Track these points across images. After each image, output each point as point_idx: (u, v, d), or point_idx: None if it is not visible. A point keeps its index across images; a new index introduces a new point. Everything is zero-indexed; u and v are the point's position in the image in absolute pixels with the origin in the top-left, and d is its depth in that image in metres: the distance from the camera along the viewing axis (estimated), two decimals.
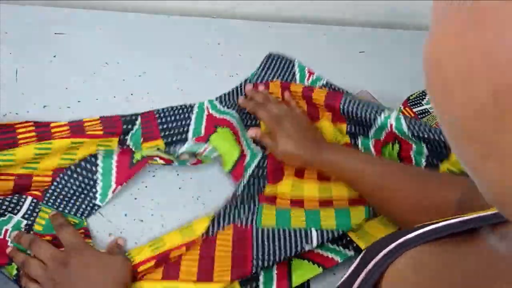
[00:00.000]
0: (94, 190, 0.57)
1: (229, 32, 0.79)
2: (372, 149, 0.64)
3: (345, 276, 0.33)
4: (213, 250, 0.53)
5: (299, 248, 0.53)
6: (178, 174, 0.62)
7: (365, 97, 0.68)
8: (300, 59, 0.73)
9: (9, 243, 0.52)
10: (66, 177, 0.57)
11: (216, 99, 0.68)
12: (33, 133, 0.58)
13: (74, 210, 0.56)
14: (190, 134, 0.64)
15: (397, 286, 0.28)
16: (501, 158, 0.16)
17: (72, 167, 0.57)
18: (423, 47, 0.19)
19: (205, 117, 0.66)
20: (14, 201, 0.54)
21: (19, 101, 0.63)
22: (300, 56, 0.71)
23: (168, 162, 0.60)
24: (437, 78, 0.17)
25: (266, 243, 0.53)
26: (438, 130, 0.56)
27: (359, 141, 0.65)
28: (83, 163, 0.58)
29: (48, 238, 0.53)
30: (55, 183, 0.56)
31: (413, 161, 0.60)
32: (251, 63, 0.72)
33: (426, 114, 0.67)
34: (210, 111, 0.67)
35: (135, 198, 0.59)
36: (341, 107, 0.63)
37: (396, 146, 0.62)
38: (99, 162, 0.58)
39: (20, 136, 0.58)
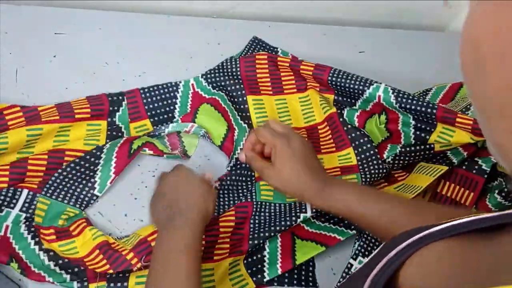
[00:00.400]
0: (93, 180, 0.58)
1: (229, 32, 0.79)
2: (356, 122, 0.64)
3: (365, 262, 0.34)
4: (217, 233, 0.55)
5: (294, 218, 0.54)
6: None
7: None
8: (300, 58, 0.73)
9: (11, 239, 0.52)
10: (68, 169, 0.57)
11: (202, 76, 0.69)
12: (22, 118, 0.59)
13: (73, 200, 0.57)
14: (176, 113, 0.65)
15: (419, 274, 0.29)
16: None
17: (77, 159, 0.58)
18: (462, 27, 0.20)
19: (190, 94, 0.67)
20: (10, 194, 0.54)
21: (19, 101, 0.63)
22: (300, 56, 0.71)
23: (158, 153, 0.61)
24: (473, 54, 0.18)
25: (263, 217, 0.55)
26: (426, 102, 0.56)
27: (345, 113, 0.65)
28: (88, 156, 0.59)
29: (51, 230, 0.53)
30: (56, 174, 0.57)
31: (402, 135, 0.60)
32: None
33: None
34: (196, 88, 0.68)
35: (135, 198, 0.59)
36: (329, 79, 0.62)
37: (383, 117, 0.62)
38: (103, 155, 0.59)
39: (9, 120, 0.58)
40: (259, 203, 0.57)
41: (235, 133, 0.63)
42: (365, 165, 0.60)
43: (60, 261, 0.52)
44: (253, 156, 0.55)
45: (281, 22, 0.83)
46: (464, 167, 0.58)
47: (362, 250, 0.57)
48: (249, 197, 0.58)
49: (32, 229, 0.54)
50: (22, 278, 0.52)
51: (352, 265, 0.56)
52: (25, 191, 0.55)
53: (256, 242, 0.53)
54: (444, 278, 0.27)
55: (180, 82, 0.68)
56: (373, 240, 0.58)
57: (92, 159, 0.59)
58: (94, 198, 0.57)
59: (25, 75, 0.67)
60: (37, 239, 0.53)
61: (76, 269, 0.52)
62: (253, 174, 0.61)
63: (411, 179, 0.60)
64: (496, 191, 0.56)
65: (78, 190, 0.57)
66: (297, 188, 0.51)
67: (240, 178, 0.61)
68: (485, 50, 0.18)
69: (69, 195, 0.57)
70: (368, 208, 0.49)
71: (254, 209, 0.57)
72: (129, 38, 0.75)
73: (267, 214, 0.56)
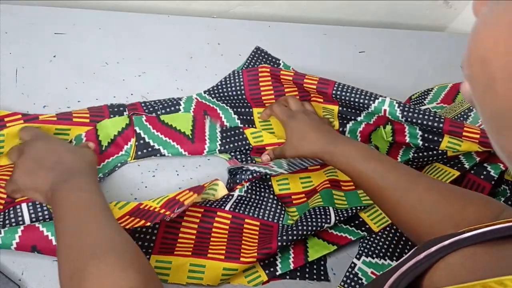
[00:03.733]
0: None
1: (229, 32, 0.79)
2: (358, 136, 0.64)
3: (396, 263, 0.34)
4: (241, 234, 0.56)
5: (319, 227, 0.55)
6: (178, 174, 0.62)
7: None
8: (300, 59, 0.73)
9: (37, 225, 0.51)
10: None
11: (205, 92, 0.69)
12: (22, 124, 0.58)
13: None
14: None
15: (443, 279, 0.29)
16: None
17: None
18: (467, 41, 0.20)
19: (193, 108, 0.67)
20: (12, 215, 0.52)
21: (19, 101, 0.63)
22: (300, 56, 0.71)
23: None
24: (482, 73, 0.19)
25: (289, 230, 0.55)
26: (432, 115, 0.56)
27: (347, 128, 0.65)
28: None
29: None
30: None
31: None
32: None
33: None
34: (200, 100, 0.68)
35: (135, 198, 0.59)
36: (333, 92, 0.62)
37: (388, 128, 0.62)
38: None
39: (9, 127, 0.57)
40: (285, 226, 0.58)
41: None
42: None
43: None
44: (272, 149, 0.62)
45: (281, 22, 0.83)
46: (472, 172, 0.59)
47: (366, 250, 0.58)
48: (275, 220, 0.59)
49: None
50: (22, 278, 0.52)
51: (355, 264, 0.57)
52: (24, 205, 0.53)
53: (284, 243, 0.54)
54: (467, 282, 0.27)
55: (183, 97, 0.67)
56: (375, 241, 0.58)
57: None
58: None
59: (25, 75, 0.67)
60: None
61: None
62: (271, 193, 0.61)
63: None
64: (502, 199, 0.57)
65: None
66: (307, 152, 0.57)
67: (259, 193, 0.61)
68: (494, 70, 0.18)
69: None
70: (366, 164, 0.52)
71: (280, 228, 0.57)
72: (129, 38, 0.75)
73: (293, 226, 0.56)
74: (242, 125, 0.66)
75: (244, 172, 0.58)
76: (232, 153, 0.64)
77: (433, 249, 0.32)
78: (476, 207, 0.45)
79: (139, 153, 0.61)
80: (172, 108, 0.65)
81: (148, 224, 0.51)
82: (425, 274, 0.31)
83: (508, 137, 0.19)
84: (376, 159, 0.52)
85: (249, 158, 0.64)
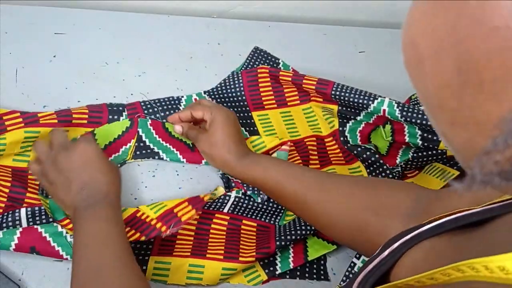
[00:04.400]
0: None
1: (229, 32, 0.79)
2: (358, 137, 0.64)
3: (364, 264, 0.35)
4: (239, 234, 0.56)
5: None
6: (178, 174, 0.62)
7: None
8: (300, 59, 0.73)
9: (35, 226, 0.51)
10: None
11: (205, 92, 0.68)
12: (22, 124, 0.58)
13: None
14: None
15: (408, 273, 0.29)
16: (465, 124, 0.19)
17: None
18: (402, 28, 0.21)
19: None
20: (10, 219, 0.53)
21: (19, 101, 0.63)
22: (300, 55, 0.71)
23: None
24: (412, 55, 0.20)
25: (287, 230, 0.56)
26: None
27: (347, 128, 0.65)
28: None
29: (68, 220, 0.52)
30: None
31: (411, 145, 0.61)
32: None
33: None
34: None
35: (135, 198, 0.59)
36: (332, 93, 0.63)
37: (388, 127, 0.62)
38: None
39: (8, 125, 0.57)
40: (281, 227, 0.57)
41: None
42: (377, 175, 0.61)
43: None
44: (189, 125, 0.59)
45: (281, 22, 0.83)
46: None
47: None
48: (272, 221, 0.59)
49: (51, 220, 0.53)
50: (22, 278, 0.52)
51: (355, 264, 0.57)
52: (23, 210, 0.54)
53: (282, 243, 0.54)
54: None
55: (183, 96, 0.67)
56: None
57: None
58: None
59: (25, 75, 0.67)
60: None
61: None
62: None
63: (421, 179, 0.60)
64: None
65: None
66: (222, 152, 0.55)
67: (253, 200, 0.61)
68: (422, 51, 0.19)
69: None
70: (279, 171, 0.52)
71: (277, 229, 0.57)
72: (129, 38, 0.75)
73: (291, 226, 0.56)
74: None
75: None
76: None
77: (395, 245, 0.32)
78: (389, 192, 0.47)
79: (138, 153, 0.61)
80: (172, 112, 0.65)
81: (143, 238, 0.51)
82: (391, 270, 0.32)
83: (438, 115, 0.20)
84: (287, 164, 0.54)
85: None
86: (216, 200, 0.57)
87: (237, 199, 0.58)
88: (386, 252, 0.32)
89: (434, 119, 0.21)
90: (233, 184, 0.59)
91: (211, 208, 0.58)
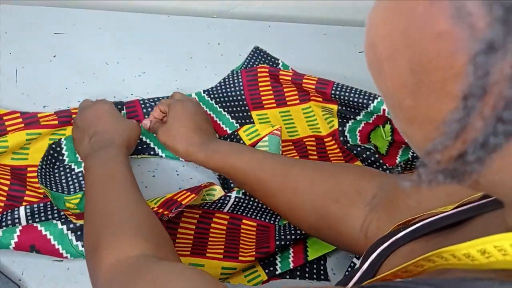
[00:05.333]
0: (67, 165, 0.59)
1: (229, 32, 0.79)
2: (358, 136, 0.64)
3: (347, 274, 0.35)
4: (239, 234, 0.57)
5: None
6: (178, 174, 0.62)
7: None
8: (300, 59, 0.73)
9: (35, 224, 0.51)
10: (44, 162, 0.58)
11: (204, 92, 0.68)
12: (22, 125, 0.59)
13: (65, 189, 0.57)
14: None
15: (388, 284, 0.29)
16: (420, 122, 0.20)
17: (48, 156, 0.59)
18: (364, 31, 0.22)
19: None
20: (9, 217, 0.53)
21: (19, 101, 0.63)
22: (300, 55, 0.71)
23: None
24: (372, 56, 0.21)
25: (287, 230, 0.56)
26: None
27: (347, 127, 0.65)
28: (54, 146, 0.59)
29: (69, 212, 0.53)
30: (38, 168, 0.57)
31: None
32: None
33: None
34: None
35: None
36: (332, 92, 0.63)
37: (388, 127, 0.62)
38: (63, 145, 0.60)
39: (8, 126, 0.58)
40: (281, 226, 0.57)
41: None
42: None
43: None
44: (155, 120, 0.60)
45: (281, 22, 0.83)
46: None
47: None
48: (272, 221, 0.59)
49: (55, 211, 0.54)
50: (22, 278, 0.52)
51: (355, 264, 0.57)
52: (22, 208, 0.53)
53: (282, 243, 0.54)
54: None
55: None
56: None
57: (58, 149, 0.60)
58: (82, 181, 0.57)
59: (25, 75, 0.67)
60: (62, 220, 0.52)
61: None
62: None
63: None
64: None
65: (63, 178, 0.57)
66: (182, 143, 0.55)
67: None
68: (380, 52, 0.20)
69: (58, 184, 0.57)
70: (240, 157, 0.52)
71: (277, 231, 0.57)
72: (129, 38, 0.75)
73: (292, 227, 0.56)
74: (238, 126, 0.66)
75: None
76: None
77: (373, 256, 0.33)
78: (352, 179, 0.47)
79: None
80: None
81: None
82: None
83: (397, 114, 0.21)
84: (249, 151, 0.54)
85: None
86: (217, 201, 0.57)
87: (237, 199, 0.58)
88: (366, 265, 0.32)
89: (395, 117, 0.22)
90: (232, 185, 0.59)
91: (211, 208, 0.58)
